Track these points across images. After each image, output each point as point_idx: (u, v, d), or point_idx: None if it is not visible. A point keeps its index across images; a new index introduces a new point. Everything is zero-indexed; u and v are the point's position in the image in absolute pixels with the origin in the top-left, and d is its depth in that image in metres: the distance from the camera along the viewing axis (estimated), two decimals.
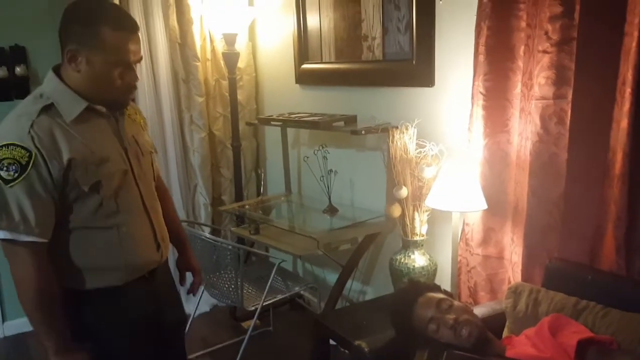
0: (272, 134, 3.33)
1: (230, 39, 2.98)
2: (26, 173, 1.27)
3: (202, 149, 3.20)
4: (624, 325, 1.43)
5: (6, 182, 1.26)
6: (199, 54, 3.10)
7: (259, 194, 3.28)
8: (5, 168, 1.26)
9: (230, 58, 3.03)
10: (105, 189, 1.37)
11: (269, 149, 3.45)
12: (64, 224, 1.36)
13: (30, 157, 1.27)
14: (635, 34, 1.47)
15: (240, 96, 3.25)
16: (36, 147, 1.27)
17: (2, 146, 1.26)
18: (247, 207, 2.99)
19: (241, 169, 3.29)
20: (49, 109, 1.32)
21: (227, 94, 3.21)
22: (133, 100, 1.56)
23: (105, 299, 1.42)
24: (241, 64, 3.22)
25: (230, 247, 2.40)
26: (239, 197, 3.29)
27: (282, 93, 3.19)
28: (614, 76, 1.56)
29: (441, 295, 1.53)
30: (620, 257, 1.59)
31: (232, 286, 2.43)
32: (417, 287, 1.61)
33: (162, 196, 1.64)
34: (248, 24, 3.15)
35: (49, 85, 1.37)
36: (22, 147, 1.27)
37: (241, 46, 3.19)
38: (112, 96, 1.39)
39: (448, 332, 1.43)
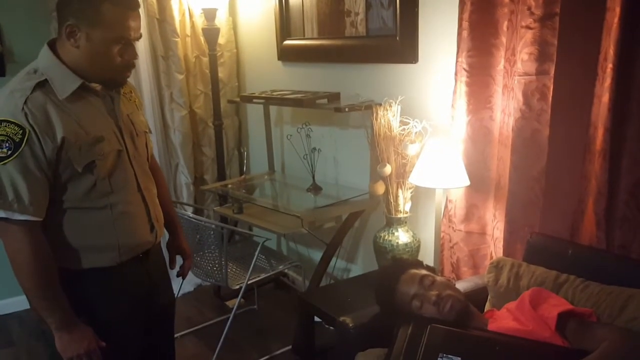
0: (254, 112, 3.29)
1: (210, 14, 2.92)
2: (20, 151, 1.24)
3: (183, 127, 3.15)
4: (603, 297, 1.46)
5: None
6: (178, 30, 3.03)
7: (241, 172, 3.25)
8: None
9: (211, 34, 2.98)
10: (99, 169, 1.35)
11: (252, 127, 3.41)
12: (58, 204, 1.34)
13: (24, 134, 1.24)
14: (617, 9, 1.47)
15: (221, 73, 3.20)
16: (30, 124, 1.24)
17: None
18: (230, 186, 2.97)
19: (223, 148, 3.26)
20: (43, 85, 1.29)
21: (207, 71, 3.16)
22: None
23: (99, 279, 1.41)
24: (222, 40, 3.16)
25: (213, 226, 2.39)
26: (221, 176, 3.26)
27: (264, 70, 3.14)
28: (595, 52, 1.56)
29: (424, 272, 1.54)
30: (600, 231, 1.61)
31: (216, 265, 2.43)
32: (400, 264, 1.62)
33: (155, 177, 1.62)
34: None
35: (43, 61, 1.33)
36: (16, 124, 1.23)
37: (221, 21, 3.13)
38: (110, 74, 1.36)
39: (431, 307, 1.45)
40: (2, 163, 1.24)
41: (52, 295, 1.33)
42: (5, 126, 1.23)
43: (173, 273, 1.77)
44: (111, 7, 1.27)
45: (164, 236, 1.69)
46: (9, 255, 1.31)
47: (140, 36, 1.37)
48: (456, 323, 1.42)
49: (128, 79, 1.47)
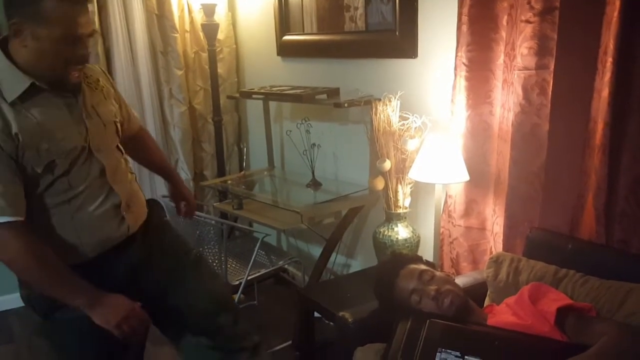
0: (253, 108, 3.29)
1: (209, 9, 2.91)
2: None
3: (182, 123, 3.15)
4: (603, 292, 1.46)
5: None
6: (177, 25, 3.03)
7: (241, 168, 3.25)
8: None
9: (210, 29, 2.97)
10: (60, 168, 1.32)
11: (251, 123, 3.41)
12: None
13: None
14: (617, 3, 1.46)
15: (220, 69, 3.19)
16: None
17: None
18: (229, 182, 2.97)
19: (223, 144, 3.26)
20: None
21: (207, 67, 3.15)
22: (106, 69, 1.50)
23: None
24: (221, 35, 3.16)
25: (213, 222, 2.39)
26: (221, 172, 3.26)
27: (264, 65, 3.14)
28: (595, 46, 1.56)
29: (423, 267, 1.54)
30: (599, 226, 1.61)
31: (216, 261, 2.43)
32: (399, 259, 1.62)
33: (142, 142, 1.67)
34: None
35: None
36: None
37: (220, 17, 3.12)
38: (60, 71, 1.31)
39: (430, 302, 1.45)
40: None
41: (67, 279, 1.32)
42: None
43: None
44: (54, 3, 1.22)
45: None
46: (3, 260, 1.29)
47: (93, 32, 1.32)
48: (455, 318, 1.42)
49: (96, 66, 1.45)
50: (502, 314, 1.46)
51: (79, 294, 1.33)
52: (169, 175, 1.85)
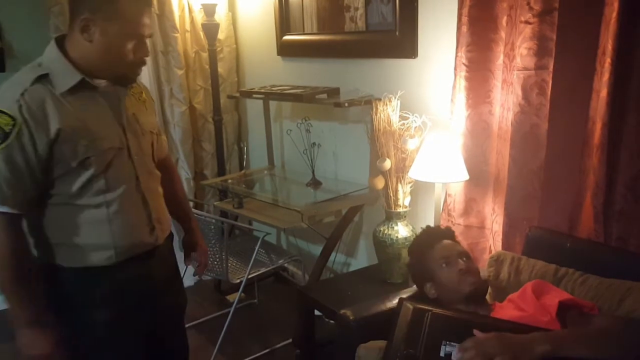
0: (254, 107, 3.30)
1: (209, 9, 2.92)
2: (8, 141, 1.23)
3: (182, 122, 3.16)
4: (602, 290, 1.47)
5: None
6: (177, 25, 3.04)
7: (241, 167, 3.27)
8: None
9: (210, 29, 2.98)
10: (96, 166, 1.33)
11: (251, 122, 3.42)
12: (50, 199, 1.33)
13: (14, 125, 1.23)
14: (616, 4, 1.48)
15: (220, 68, 3.20)
16: (23, 116, 1.24)
17: None
18: (230, 181, 2.98)
19: (223, 143, 3.27)
20: (44, 78, 1.28)
21: (207, 67, 3.16)
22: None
23: (91, 278, 1.39)
24: (221, 35, 3.17)
25: (214, 221, 2.40)
26: (221, 171, 3.27)
27: (264, 65, 3.15)
28: (594, 46, 1.57)
29: (464, 249, 1.63)
30: (598, 224, 1.63)
31: (217, 260, 2.44)
32: (449, 231, 1.72)
33: (169, 174, 1.63)
34: None
35: (48, 55, 1.33)
36: (8, 115, 1.23)
37: (221, 17, 3.14)
38: (121, 69, 1.36)
39: (455, 274, 1.52)
40: None
41: (25, 291, 1.30)
42: None
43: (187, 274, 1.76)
44: (129, 2, 1.28)
45: (178, 234, 1.68)
46: None
47: (152, 34, 1.37)
48: (466, 300, 1.47)
49: (140, 80, 1.48)
50: (506, 309, 1.48)
51: (25, 309, 1.31)
52: (186, 217, 1.76)
